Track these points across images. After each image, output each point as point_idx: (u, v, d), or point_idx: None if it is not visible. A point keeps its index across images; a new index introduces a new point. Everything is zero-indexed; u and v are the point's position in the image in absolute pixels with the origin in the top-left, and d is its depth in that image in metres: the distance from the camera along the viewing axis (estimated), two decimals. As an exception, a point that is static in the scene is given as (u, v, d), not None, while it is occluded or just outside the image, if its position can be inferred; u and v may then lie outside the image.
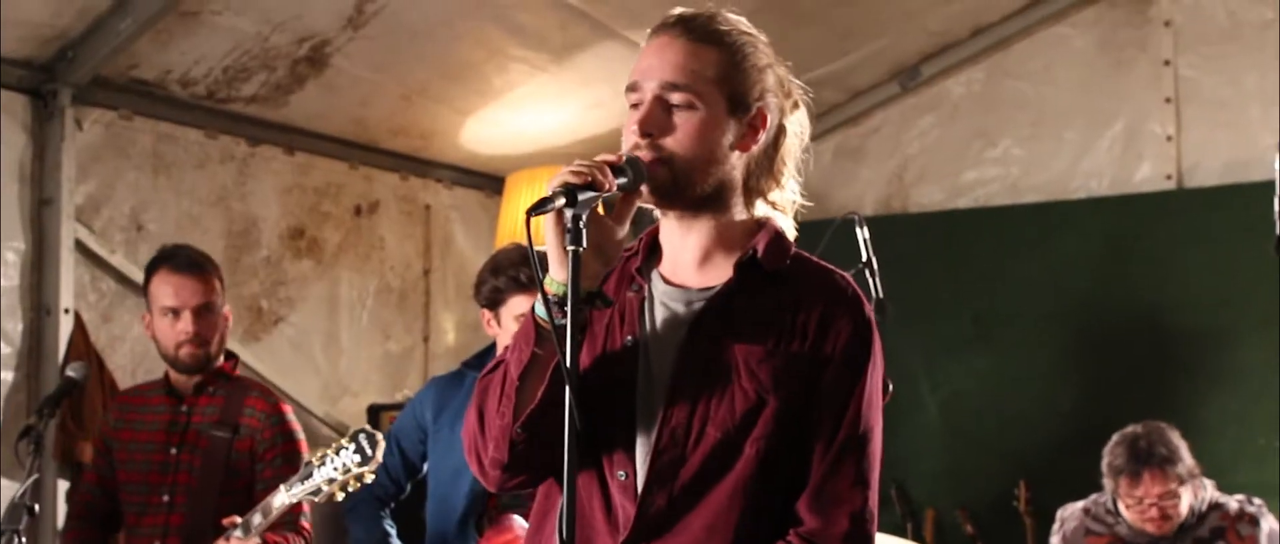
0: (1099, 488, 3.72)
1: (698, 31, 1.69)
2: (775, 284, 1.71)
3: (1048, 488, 4.33)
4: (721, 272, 1.72)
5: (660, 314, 1.72)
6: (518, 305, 2.99)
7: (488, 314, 3.10)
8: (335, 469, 2.65)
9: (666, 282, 1.75)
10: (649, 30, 1.74)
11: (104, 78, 3.64)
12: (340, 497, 2.69)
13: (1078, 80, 4.77)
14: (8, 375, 3.51)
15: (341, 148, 4.40)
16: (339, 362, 4.44)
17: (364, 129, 4.36)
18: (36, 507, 2.36)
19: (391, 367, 4.62)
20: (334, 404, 4.40)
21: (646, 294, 1.74)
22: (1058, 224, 4.69)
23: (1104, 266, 4.61)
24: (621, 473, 1.67)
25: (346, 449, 2.64)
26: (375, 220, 4.57)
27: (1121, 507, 3.53)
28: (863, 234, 3.29)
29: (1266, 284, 4.18)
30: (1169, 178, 4.59)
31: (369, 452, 2.62)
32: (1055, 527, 3.75)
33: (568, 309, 1.53)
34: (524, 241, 3.27)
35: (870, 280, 3.26)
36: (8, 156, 3.52)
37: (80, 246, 3.64)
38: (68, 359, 3.50)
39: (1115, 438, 3.55)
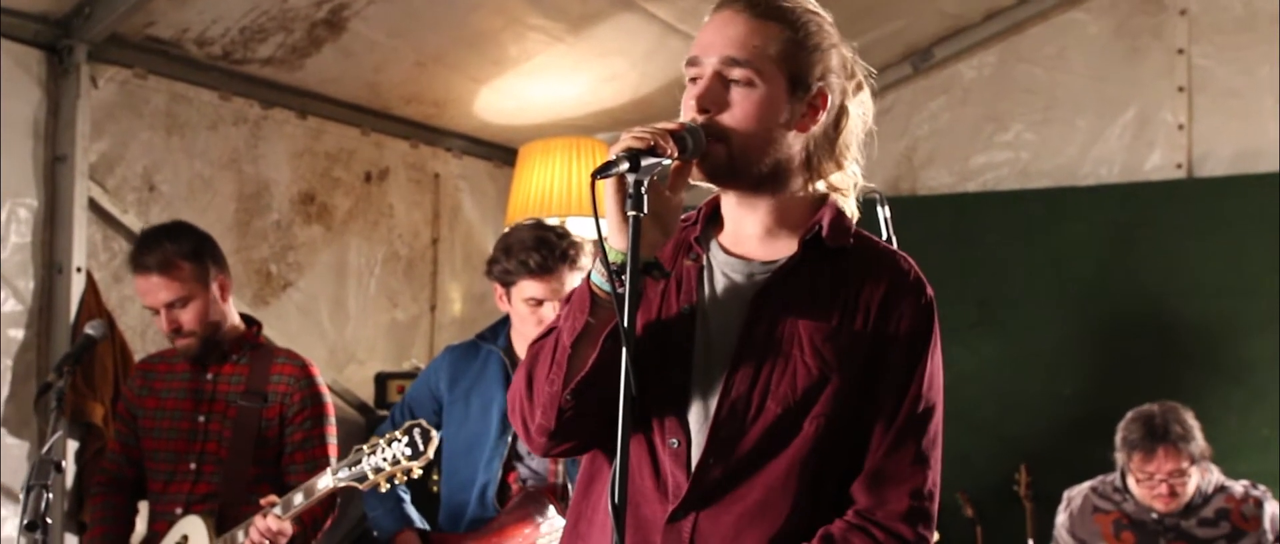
0: (1100, 473, 3.76)
1: (762, 7, 1.66)
2: (838, 261, 1.70)
3: (1048, 473, 4.35)
4: (785, 246, 1.71)
5: (721, 283, 1.71)
6: (528, 289, 2.99)
7: (500, 290, 3.09)
8: (385, 459, 2.63)
9: (727, 252, 1.74)
10: (714, 4, 1.70)
11: (120, 35, 3.61)
12: (384, 487, 2.67)
13: (1091, 67, 4.77)
14: (18, 333, 3.49)
15: (354, 113, 4.38)
16: (346, 328, 4.42)
17: (377, 95, 4.34)
18: (62, 462, 2.35)
19: (398, 335, 4.61)
20: (340, 371, 4.38)
21: (705, 263, 1.73)
22: (1066, 210, 4.69)
23: (1111, 254, 4.62)
24: (674, 440, 1.66)
25: (399, 441, 2.62)
26: (385, 188, 4.55)
27: (1131, 482, 3.60)
28: (884, 213, 3.28)
29: (1275, 276, 4.20)
30: (1179, 167, 4.60)
31: (421, 447, 2.60)
32: (1062, 506, 3.79)
33: (627, 277, 1.52)
34: (548, 216, 3.26)
35: (890, 260, 3.26)
36: (22, 112, 3.49)
37: (93, 205, 3.62)
38: (80, 318, 3.48)
39: (1131, 414, 3.62)
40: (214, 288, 3.08)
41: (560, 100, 4.52)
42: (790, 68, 1.66)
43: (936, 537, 3.55)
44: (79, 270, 3.54)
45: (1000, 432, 4.71)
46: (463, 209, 4.86)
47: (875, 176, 5.80)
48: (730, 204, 1.75)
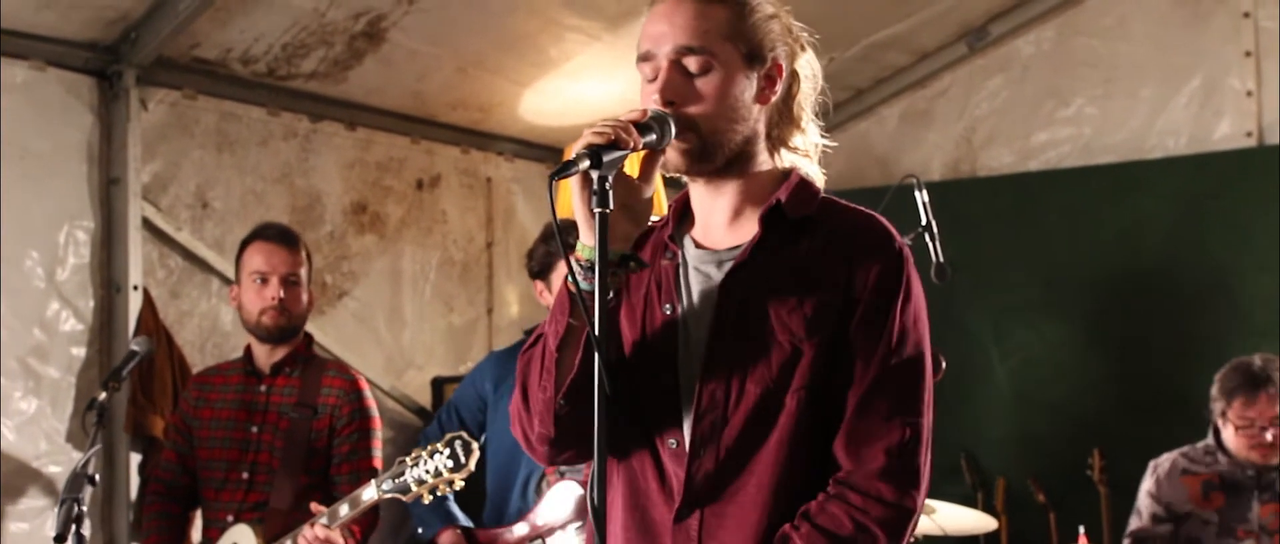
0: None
1: None
2: (804, 232, 1.67)
3: (1122, 456, 4.21)
4: (751, 226, 1.69)
5: (695, 279, 1.70)
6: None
7: (540, 285, 3.13)
8: (427, 471, 2.67)
9: (698, 246, 1.73)
10: None
11: (167, 58, 3.70)
12: (427, 499, 2.71)
13: (1153, 35, 4.62)
14: (80, 351, 3.60)
15: (402, 122, 4.43)
16: (403, 335, 4.48)
17: (423, 103, 4.38)
18: (97, 476, 2.42)
19: (455, 339, 4.65)
20: (398, 377, 4.44)
21: (681, 261, 1.72)
22: (1133, 185, 4.55)
23: (1180, 228, 4.47)
24: (672, 441, 1.65)
25: (441, 453, 2.66)
26: (437, 194, 4.60)
27: (1228, 434, 3.51)
28: (922, 197, 3.23)
29: (1353, 243, 4.03)
30: (1249, 135, 4.43)
31: (463, 459, 2.63)
32: (1147, 474, 3.70)
33: (597, 272, 1.51)
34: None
35: (930, 244, 3.21)
36: (76, 138, 3.60)
37: (147, 224, 3.71)
38: (138, 335, 3.58)
39: (1228, 365, 3.55)
40: (310, 293, 3.29)
41: (603, 99, 4.51)
42: (743, 44, 1.65)
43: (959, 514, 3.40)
44: (136, 288, 3.65)
45: (1071, 415, 4.59)
46: (516, 211, 4.88)
47: (934, 160, 5.74)
48: (698, 193, 1.74)
